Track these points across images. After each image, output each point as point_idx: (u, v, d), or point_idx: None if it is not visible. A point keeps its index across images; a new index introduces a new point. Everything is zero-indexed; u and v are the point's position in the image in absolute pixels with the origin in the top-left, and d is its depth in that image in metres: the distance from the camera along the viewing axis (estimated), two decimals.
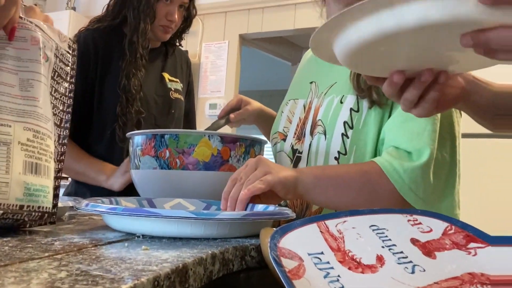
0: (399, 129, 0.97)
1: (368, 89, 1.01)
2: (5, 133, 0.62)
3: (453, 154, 1.01)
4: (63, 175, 0.83)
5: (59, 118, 0.74)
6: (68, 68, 0.78)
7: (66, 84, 0.77)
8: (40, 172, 0.66)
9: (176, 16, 1.50)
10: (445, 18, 0.55)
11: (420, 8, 0.56)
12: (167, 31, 1.53)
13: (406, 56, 0.67)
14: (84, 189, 1.48)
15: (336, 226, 0.67)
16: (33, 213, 0.65)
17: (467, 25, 0.56)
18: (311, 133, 1.11)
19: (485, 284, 0.54)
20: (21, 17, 0.70)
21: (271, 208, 0.85)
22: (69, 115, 0.77)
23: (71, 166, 1.44)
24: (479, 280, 0.54)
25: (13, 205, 0.62)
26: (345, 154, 1.04)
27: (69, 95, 0.78)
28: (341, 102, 1.06)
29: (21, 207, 0.63)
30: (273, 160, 1.19)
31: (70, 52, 0.80)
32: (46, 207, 0.67)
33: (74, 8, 4.77)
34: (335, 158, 1.05)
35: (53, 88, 0.74)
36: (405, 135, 0.96)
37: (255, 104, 1.37)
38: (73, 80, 0.79)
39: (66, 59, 0.78)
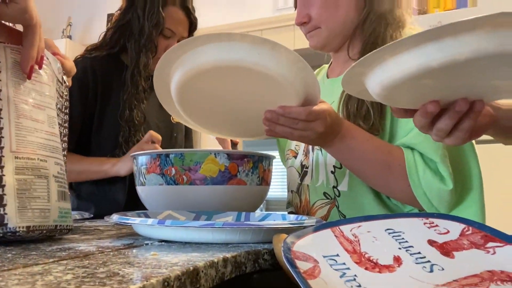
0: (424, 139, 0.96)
1: (355, 117, 1.01)
2: (44, 167, 0.70)
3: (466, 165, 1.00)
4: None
5: None
6: (63, 100, 0.82)
7: (62, 115, 0.82)
8: (66, 198, 0.75)
9: None
10: (498, 49, 0.55)
11: (472, 40, 0.55)
12: None
13: (448, 87, 0.67)
14: (87, 204, 1.46)
15: (351, 230, 0.66)
16: (63, 230, 0.74)
17: None
18: (313, 150, 1.13)
19: (505, 281, 0.53)
20: None
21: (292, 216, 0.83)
22: (65, 143, 0.83)
23: (72, 168, 1.38)
24: (499, 278, 0.53)
25: (51, 225, 0.70)
26: (340, 168, 1.05)
27: (65, 125, 0.83)
28: None
29: (56, 226, 0.72)
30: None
31: (62, 83, 0.83)
32: (70, 225, 0.76)
33: (70, 37, 4.78)
34: (331, 172, 1.07)
35: None
36: (430, 146, 0.95)
37: None
38: (67, 111, 0.84)
39: (62, 91, 0.82)
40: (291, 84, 0.80)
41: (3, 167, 0.64)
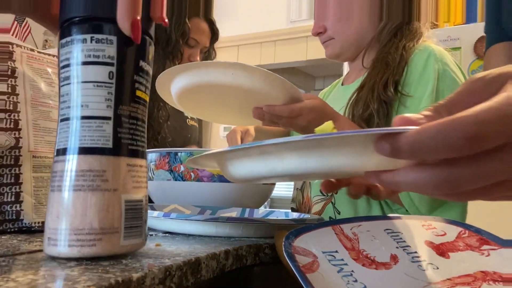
0: None
1: (358, 119, 1.03)
2: None
3: None
4: None
5: None
6: None
7: None
8: None
9: (198, 58, 1.58)
10: None
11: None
12: None
13: None
14: None
15: (351, 229, 0.67)
16: None
17: None
18: None
19: (497, 281, 0.54)
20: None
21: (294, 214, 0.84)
22: None
23: None
24: (492, 278, 0.55)
25: None
26: None
27: None
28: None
29: None
30: None
31: None
32: None
33: None
34: None
35: None
36: None
37: (252, 130, 1.39)
38: None
39: None
40: (268, 93, 0.88)
41: (20, 165, 0.67)
